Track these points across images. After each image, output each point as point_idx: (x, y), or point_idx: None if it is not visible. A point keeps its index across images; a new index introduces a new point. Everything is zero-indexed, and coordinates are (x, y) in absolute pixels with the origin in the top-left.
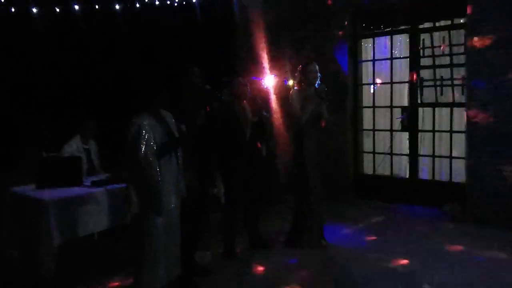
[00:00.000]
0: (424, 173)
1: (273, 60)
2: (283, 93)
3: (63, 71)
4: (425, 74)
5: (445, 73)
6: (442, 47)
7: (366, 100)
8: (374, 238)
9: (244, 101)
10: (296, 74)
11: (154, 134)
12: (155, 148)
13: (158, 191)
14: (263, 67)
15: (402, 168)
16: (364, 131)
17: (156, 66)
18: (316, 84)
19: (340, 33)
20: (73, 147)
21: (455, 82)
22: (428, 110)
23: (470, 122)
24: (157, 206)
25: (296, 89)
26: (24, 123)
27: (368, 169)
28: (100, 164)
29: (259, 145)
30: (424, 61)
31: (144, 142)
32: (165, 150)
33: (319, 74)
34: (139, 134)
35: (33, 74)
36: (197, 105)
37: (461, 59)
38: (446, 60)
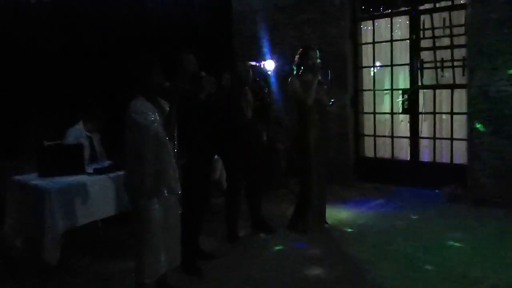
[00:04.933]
0: (425, 155)
1: (273, 44)
2: (282, 78)
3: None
4: (426, 56)
5: (445, 54)
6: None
7: (367, 83)
8: (375, 220)
9: (246, 86)
10: (295, 60)
11: (151, 114)
12: (155, 123)
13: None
14: (263, 52)
15: (403, 150)
16: (365, 114)
17: (143, 52)
18: (316, 70)
19: (340, 16)
20: (77, 132)
21: (456, 63)
22: (429, 92)
23: (470, 104)
24: (167, 183)
25: (295, 75)
26: (26, 111)
27: (369, 151)
28: (102, 151)
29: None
30: (425, 43)
31: (145, 117)
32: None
33: (318, 60)
34: (137, 112)
35: (35, 63)
36: (192, 92)
37: (462, 40)
38: (446, 41)
